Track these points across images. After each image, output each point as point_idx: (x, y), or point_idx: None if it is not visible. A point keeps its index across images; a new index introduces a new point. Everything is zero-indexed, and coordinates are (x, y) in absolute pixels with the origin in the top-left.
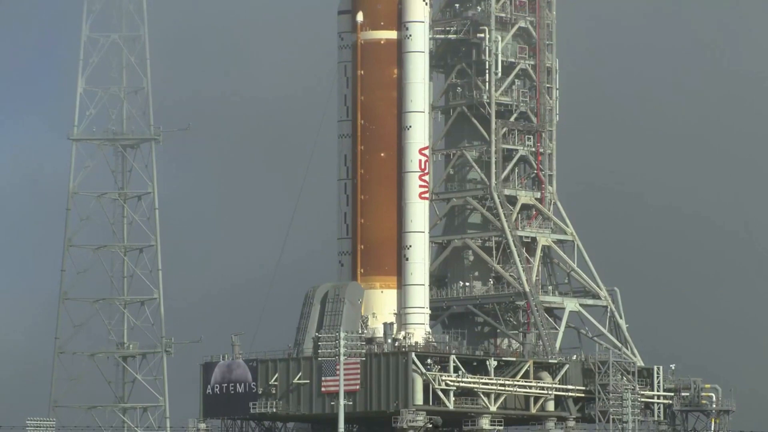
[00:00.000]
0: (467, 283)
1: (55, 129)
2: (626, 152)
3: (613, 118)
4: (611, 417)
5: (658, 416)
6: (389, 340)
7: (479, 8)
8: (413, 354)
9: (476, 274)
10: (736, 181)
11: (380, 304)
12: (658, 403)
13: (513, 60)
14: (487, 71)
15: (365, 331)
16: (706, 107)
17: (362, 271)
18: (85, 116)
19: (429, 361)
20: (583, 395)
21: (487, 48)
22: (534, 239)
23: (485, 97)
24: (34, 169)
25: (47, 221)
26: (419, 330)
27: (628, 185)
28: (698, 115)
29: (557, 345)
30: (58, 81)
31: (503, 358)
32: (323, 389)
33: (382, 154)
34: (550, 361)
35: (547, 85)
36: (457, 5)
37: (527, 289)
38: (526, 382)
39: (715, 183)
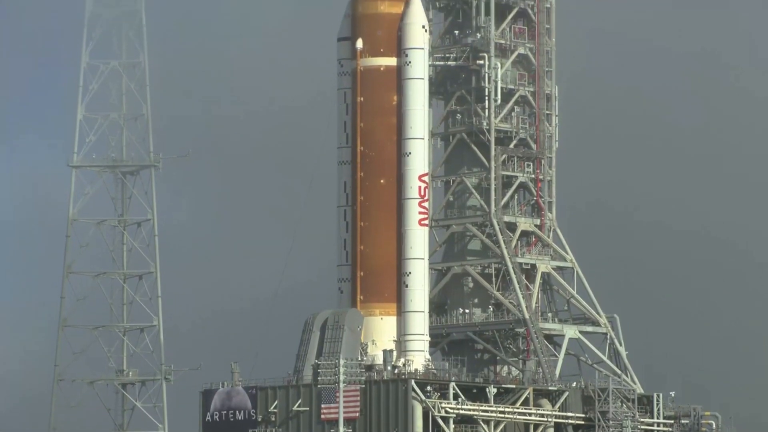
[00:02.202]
0: (467, 310)
1: (55, 156)
2: (626, 179)
3: (613, 144)
4: None
5: None
6: (389, 367)
7: (479, 35)
8: (413, 381)
9: (476, 300)
10: (743, 205)
11: (380, 331)
12: (658, 431)
13: (512, 87)
14: (486, 98)
15: (365, 358)
16: (710, 131)
17: (362, 297)
18: (85, 143)
19: (429, 388)
20: (582, 423)
21: (486, 75)
22: (534, 266)
23: (485, 123)
24: (33, 195)
25: (47, 248)
26: (419, 357)
27: (628, 212)
28: (702, 139)
29: (557, 372)
30: (58, 108)
31: (503, 386)
32: (323, 416)
33: (382, 181)
34: (549, 388)
35: (547, 112)
36: (456, 32)
37: (527, 316)
38: (525, 409)
39: (721, 208)
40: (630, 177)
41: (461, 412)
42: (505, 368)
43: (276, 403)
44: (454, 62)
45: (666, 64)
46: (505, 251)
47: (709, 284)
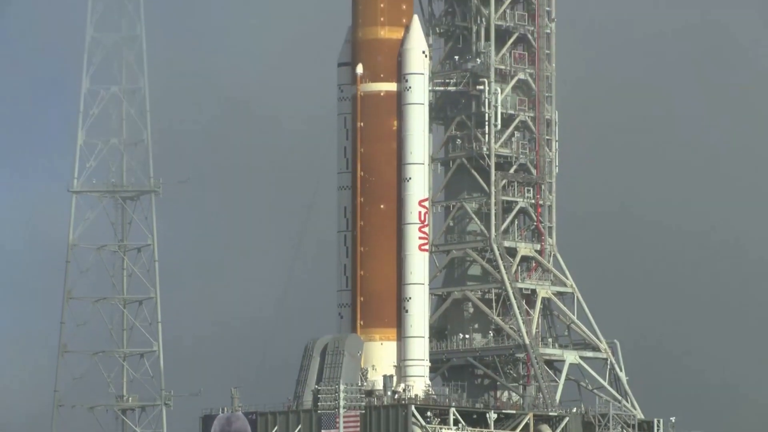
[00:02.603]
0: (467, 336)
1: (55, 181)
2: (626, 206)
3: (613, 170)
4: None
5: None
6: (389, 393)
7: (479, 60)
8: (413, 406)
9: (476, 326)
10: (750, 227)
11: (380, 357)
12: None
13: (512, 112)
14: (486, 123)
15: (365, 384)
16: (712, 153)
17: (362, 323)
18: (85, 168)
19: (429, 413)
20: None
21: (486, 100)
22: (534, 291)
23: (485, 148)
24: (33, 221)
25: (47, 273)
26: (419, 382)
27: (629, 237)
28: (705, 163)
29: (557, 397)
30: (58, 133)
31: (503, 411)
32: None
33: (382, 206)
34: (550, 413)
35: (547, 137)
36: (456, 57)
37: (527, 341)
38: None
39: (727, 231)
40: (631, 202)
41: None
42: (506, 394)
43: (276, 428)
44: (454, 87)
45: (668, 89)
46: (505, 276)
47: (712, 310)
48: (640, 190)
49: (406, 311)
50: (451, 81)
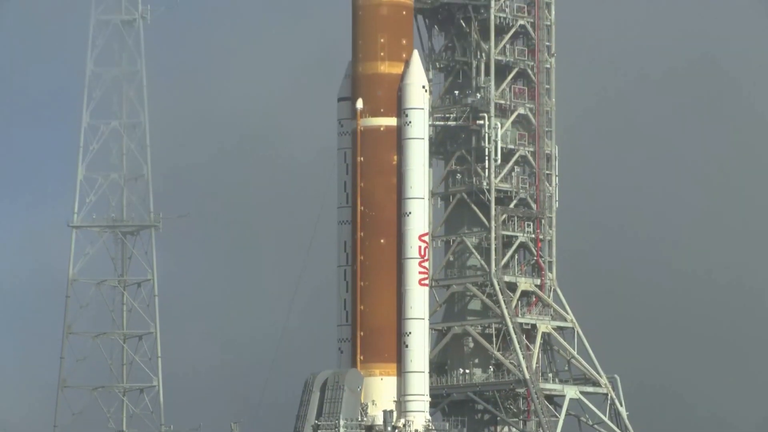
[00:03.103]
0: (467, 371)
1: (55, 216)
2: (626, 240)
3: (613, 205)
4: None
5: None
6: (389, 428)
7: (479, 95)
8: None
9: (476, 361)
10: (750, 265)
11: (380, 392)
12: None
13: (512, 146)
14: (486, 158)
15: (365, 419)
16: (713, 190)
17: (362, 358)
18: (85, 203)
19: None
20: None
21: (486, 135)
22: (534, 326)
23: (485, 183)
24: (33, 255)
25: (47, 308)
26: (419, 417)
27: (628, 272)
28: (706, 197)
29: None
30: (58, 168)
31: None
32: None
33: (382, 241)
34: None
35: (547, 172)
36: (456, 92)
37: (527, 376)
38: None
39: (727, 267)
40: (630, 237)
41: None
42: (506, 429)
43: None
44: (454, 122)
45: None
46: (505, 311)
47: (712, 345)
48: (639, 226)
49: (406, 346)
50: (451, 116)
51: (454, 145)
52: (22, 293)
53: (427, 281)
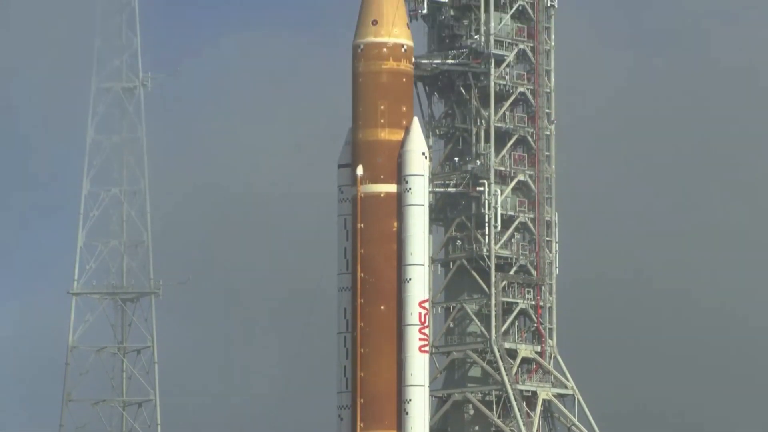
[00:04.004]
0: None
1: (55, 283)
2: (627, 307)
3: (613, 273)
4: None
5: None
6: None
7: (479, 162)
8: None
9: (476, 428)
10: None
11: None
12: None
13: (512, 213)
14: (486, 224)
15: None
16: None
17: (362, 425)
18: (85, 270)
19: None
20: None
21: (486, 201)
22: (534, 393)
23: (485, 250)
24: (33, 323)
25: (46, 376)
26: None
27: (629, 339)
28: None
29: None
30: (58, 235)
31: None
32: None
33: (382, 307)
34: None
35: (547, 239)
36: (456, 159)
37: None
38: None
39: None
40: (631, 305)
41: None
42: None
43: None
44: (454, 189)
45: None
46: (505, 378)
47: (715, 410)
48: (638, 294)
49: (407, 413)
50: (451, 182)
51: (454, 211)
52: (21, 360)
53: (427, 348)
